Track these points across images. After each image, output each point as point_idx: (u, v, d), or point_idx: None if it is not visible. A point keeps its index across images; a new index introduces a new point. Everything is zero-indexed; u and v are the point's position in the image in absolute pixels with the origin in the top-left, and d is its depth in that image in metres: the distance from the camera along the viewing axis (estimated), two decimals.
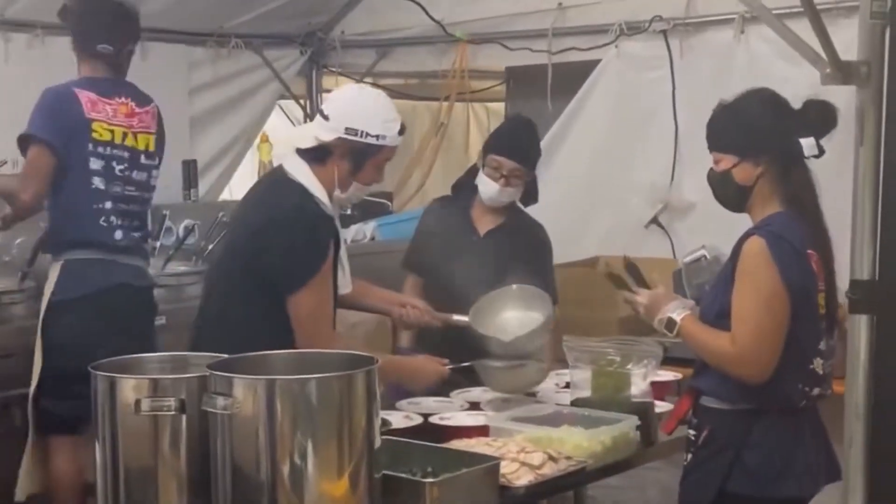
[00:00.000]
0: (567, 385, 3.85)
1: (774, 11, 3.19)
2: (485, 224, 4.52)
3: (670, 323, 3.25)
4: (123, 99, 4.36)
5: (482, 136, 7.09)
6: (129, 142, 4.34)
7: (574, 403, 3.62)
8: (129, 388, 2.73)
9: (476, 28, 6.16)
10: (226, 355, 2.85)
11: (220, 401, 2.58)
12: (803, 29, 2.78)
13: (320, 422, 2.57)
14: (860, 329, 2.57)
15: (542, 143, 5.76)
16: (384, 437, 2.82)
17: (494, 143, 4.46)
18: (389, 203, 6.58)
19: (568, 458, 3.16)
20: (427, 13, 6.20)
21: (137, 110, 4.40)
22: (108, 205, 4.29)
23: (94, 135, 4.25)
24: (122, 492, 2.75)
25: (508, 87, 6.64)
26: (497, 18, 6.08)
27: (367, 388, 2.65)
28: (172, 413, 2.70)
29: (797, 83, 3.33)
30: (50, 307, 4.27)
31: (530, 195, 4.58)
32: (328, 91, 7.22)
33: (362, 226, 6.01)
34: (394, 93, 7.42)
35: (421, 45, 6.43)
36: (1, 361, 4.50)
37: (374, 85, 7.18)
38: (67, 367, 4.13)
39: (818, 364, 3.16)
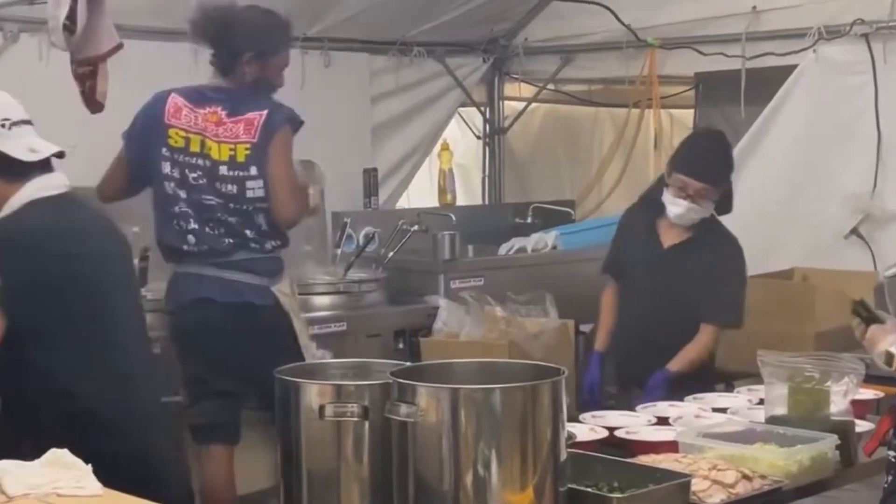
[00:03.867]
0: (760, 401, 3.69)
1: None
2: (671, 237, 4.44)
3: (888, 356, 3.09)
4: (214, 108, 4.18)
5: (664, 144, 6.95)
6: (205, 150, 4.15)
7: (769, 421, 3.45)
8: (314, 393, 2.74)
9: (665, 33, 6.03)
10: (408, 363, 2.83)
11: (404, 408, 2.54)
12: None
13: (505, 433, 2.51)
14: None
15: (735, 151, 5.64)
16: (568, 449, 2.73)
17: (680, 162, 4.36)
18: (572, 211, 6.48)
19: (762, 477, 3.02)
20: (618, 18, 6.08)
21: (226, 120, 4.16)
22: (179, 209, 4.15)
23: (170, 140, 4.16)
24: (305, 496, 2.76)
25: (697, 94, 6.48)
26: (687, 23, 5.94)
27: (553, 399, 2.57)
28: (356, 419, 2.69)
29: None
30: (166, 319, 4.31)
31: (724, 205, 4.45)
32: (510, 98, 7.21)
33: (543, 234, 5.92)
34: (576, 99, 7.36)
35: (608, 50, 6.31)
36: None
37: (556, 91, 7.13)
38: (185, 377, 4.22)
39: None
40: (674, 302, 4.38)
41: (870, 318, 3.22)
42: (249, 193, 4.15)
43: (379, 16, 6.07)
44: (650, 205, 4.50)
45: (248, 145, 4.14)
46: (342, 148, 6.06)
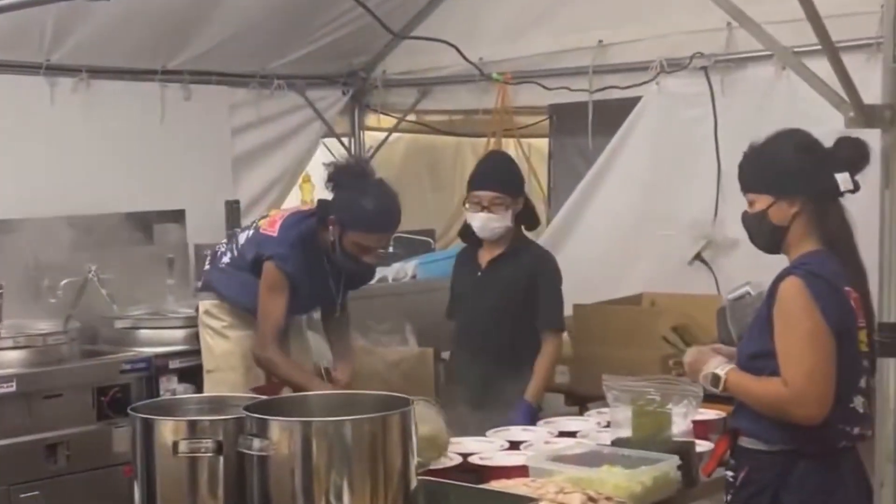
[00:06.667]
0: (608, 424, 3.82)
1: (798, 49, 3.20)
2: (486, 258, 4.74)
3: (715, 378, 3.26)
4: None
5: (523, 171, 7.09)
6: None
7: (614, 443, 3.58)
8: (168, 429, 2.76)
9: (516, 66, 6.17)
10: (263, 396, 2.88)
11: (256, 442, 2.60)
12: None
13: (356, 463, 2.58)
14: (890, 372, 2.52)
15: (585, 180, 5.85)
16: (421, 477, 2.82)
17: (471, 180, 4.73)
18: (432, 240, 6.58)
19: (608, 498, 3.10)
20: (462, 55, 6.20)
21: None
22: None
23: None
24: None
25: (552, 124, 6.63)
26: (537, 56, 6.08)
27: (403, 429, 2.65)
28: (210, 455, 2.72)
29: (839, 120, 3.28)
30: None
31: (529, 219, 4.79)
32: (372, 129, 7.30)
33: (403, 264, 6.01)
34: (437, 130, 7.49)
35: (461, 83, 6.44)
36: (49, 401, 4.56)
37: (417, 122, 7.25)
38: None
39: (858, 402, 3.15)
40: (496, 312, 4.64)
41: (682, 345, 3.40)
42: None
43: (238, 49, 6.10)
44: (469, 239, 4.82)
45: None
46: (203, 180, 6.07)
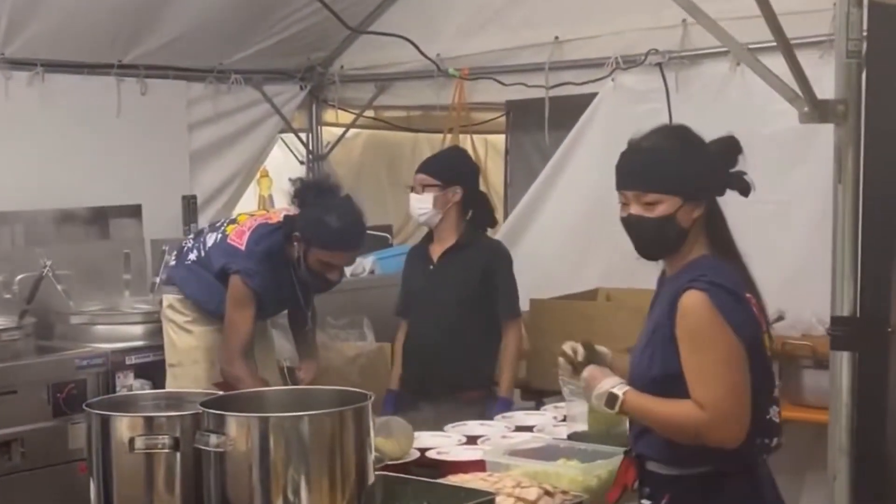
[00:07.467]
0: (564, 418, 3.85)
1: (754, 46, 3.22)
2: (438, 251, 4.80)
3: (611, 398, 2.95)
4: None
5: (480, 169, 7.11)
6: None
7: (571, 437, 3.62)
8: (124, 426, 2.76)
9: (473, 62, 6.18)
10: (222, 392, 2.88)
11: (213, 438, 2.60)
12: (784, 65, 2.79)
13: (313, 458, 2.59)
14: (842, 365, 2.56)
15: (541, 176, 5.88)
16: (379, 472, 2.83)
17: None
18: (389, 236, 6.59)
19: (564, 492, 3.15)
20: (420, 51, 6.22)
21: None
22: None
23: None
24: None
25: (508, 120, 6.65)
26: (494, 52, 6.10)
27: (360, 424, 2.66)
28: (167, 451, 2.73)
29: (792, 116, 3.28)
30: None
31: (482, 217, 4.85)
32: (330, 125, 7.30)
33: (361, 259, 6.01)
34: (394, 126, 7.49)
35: (420, 79, 6.44)
36: (4, 398, 4.53)
37: (375, 118, 7.26)
38: None
39: (774, 413, 2.96)
40: (451, 304, 4.68)
41: (583, 362, 3.17)
42: None
43: (195, 43, 6.08)
44: (425, 235, 4.88)
45: None
46: (160, 175, 6.05)
